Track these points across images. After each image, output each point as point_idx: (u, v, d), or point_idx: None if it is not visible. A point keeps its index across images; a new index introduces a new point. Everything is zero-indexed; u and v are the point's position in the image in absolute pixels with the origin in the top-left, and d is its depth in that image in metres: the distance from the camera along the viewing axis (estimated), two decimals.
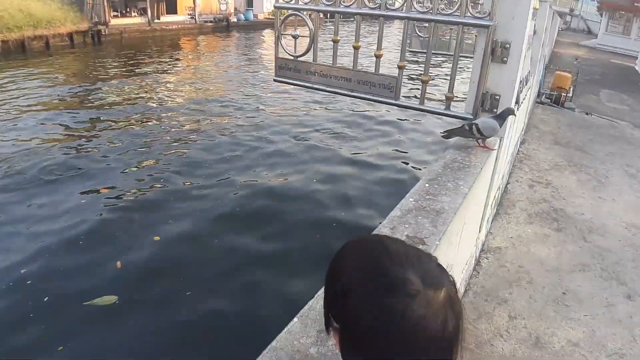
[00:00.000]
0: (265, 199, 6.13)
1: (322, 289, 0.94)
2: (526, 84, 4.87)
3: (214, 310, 3.98)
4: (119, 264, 4.55)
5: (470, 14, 2.74)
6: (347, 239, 0.90)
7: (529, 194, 5.23)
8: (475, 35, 3.04)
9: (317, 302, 1.39)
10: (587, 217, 4.77)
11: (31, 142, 8.10)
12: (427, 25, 3.93)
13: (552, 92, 10.57)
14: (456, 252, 2.47)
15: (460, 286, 3.21)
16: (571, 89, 10.99)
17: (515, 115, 3.31)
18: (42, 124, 9.45)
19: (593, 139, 7.99)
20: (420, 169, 7.25)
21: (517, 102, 4.17)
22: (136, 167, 7.20)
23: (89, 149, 7.91)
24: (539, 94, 10.50)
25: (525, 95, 4.85)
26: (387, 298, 0.77)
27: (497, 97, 3.02)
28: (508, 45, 2.88)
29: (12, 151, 7.59)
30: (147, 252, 4.80)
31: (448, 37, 4.87)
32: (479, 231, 3.64)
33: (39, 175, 6.71)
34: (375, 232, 1.82)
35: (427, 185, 2.25)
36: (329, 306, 0.87)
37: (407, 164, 7.74)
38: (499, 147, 3.21)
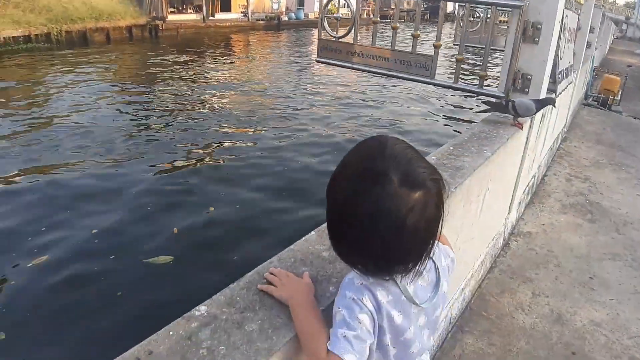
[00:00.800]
0: (310, 175, 6.77)
1: None
2: (566, 77, 4.86)
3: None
4: (175, 229, 5.00)
5: None
6: None
7: (565, 186, 5.21)
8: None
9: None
10: (623, 212, 4.71)
11: (103, 126, 8.88)
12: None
13: (599, 95, 10.32)
14: (477, 217, 2.58)
15: (486, 261, 3.30)
16: (619, 92, 10.68)
17: (554, 106, 3.38)
18: (116, 110, 10.28)
19: (638, 141, 7.79)
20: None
21: (554, 92, 4.22)
22: (195, 146, 7.90)
23: (151, 132, 8.68)
24: (586, 96, 10.28)
25: (566, 88, 4.84)
26: (362, 185, 0.91)
27: (529, 77, 3.09)
28: (540, 26, 2.95)
29: (85, 129, 8.43)
30: (202, 221, 5.28)
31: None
32: (508, 212, 3.71)
33: (108, 150, 7.50)
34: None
35: (451, 147, 2.39)
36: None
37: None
38: (530, 127, 3.29)
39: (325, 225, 1.57)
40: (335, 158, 7.53)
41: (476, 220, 2.56)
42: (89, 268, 4.34)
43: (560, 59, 4.33)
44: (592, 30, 7.48)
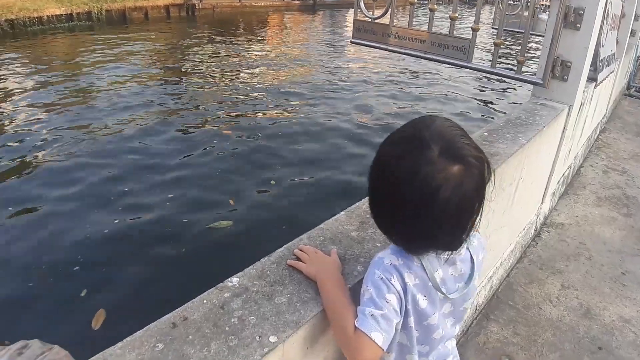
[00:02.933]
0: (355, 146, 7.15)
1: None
2: (608, 65, 4.68)
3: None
4: (231, 201, 5.33)
5: None
6: None
7: (601, 178, 5.06)
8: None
9: (362, 203, 1.59)
10: None
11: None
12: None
13: None
14: (510, 205, 2.54)
15: (516, 250, 3.26)
16: None
17: None
18: (160, 85, 10.64)
19: None
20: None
21: (595, 80, 4.08)
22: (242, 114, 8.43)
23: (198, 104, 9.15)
24: (628, 86, 9.88)
25: (607, 77, 4.67)
26: (404, 148, 0.94)
27: (569, 63, 3.01)
28: (582, 12, 2.85)
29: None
30: (258, 193, 5.63)
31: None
32: (542, 202, 3.63)
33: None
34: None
35: (485, 133, 2.35)
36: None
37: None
38: (568, 115, 3.20)
39: (354, 206, 1.60)
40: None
41: (508, 209, 2.53)
42: (160, 230, 4.76)
43: (602, 46, 4.16)
44: (637, 18, 7.16)
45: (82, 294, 3.79)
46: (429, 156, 0.91)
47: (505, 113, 4.42)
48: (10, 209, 5.01)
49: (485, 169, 0.98)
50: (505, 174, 2.17)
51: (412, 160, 0.92)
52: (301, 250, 1.27)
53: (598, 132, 6.40)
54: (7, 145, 6.78)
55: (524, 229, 3.26)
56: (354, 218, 1.49)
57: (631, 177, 5.17)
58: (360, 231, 1.42)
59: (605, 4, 3.31)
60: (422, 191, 0.91)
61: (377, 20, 3.49)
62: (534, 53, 10.00)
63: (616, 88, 7.34)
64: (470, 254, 1.15)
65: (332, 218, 1.50)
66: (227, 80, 11.32)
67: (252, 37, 18.90)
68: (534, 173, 2.93)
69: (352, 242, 1.37)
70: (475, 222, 1.03)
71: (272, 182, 5.82)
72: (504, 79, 3.40)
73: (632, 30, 6.81)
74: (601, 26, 3.49)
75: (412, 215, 0.95)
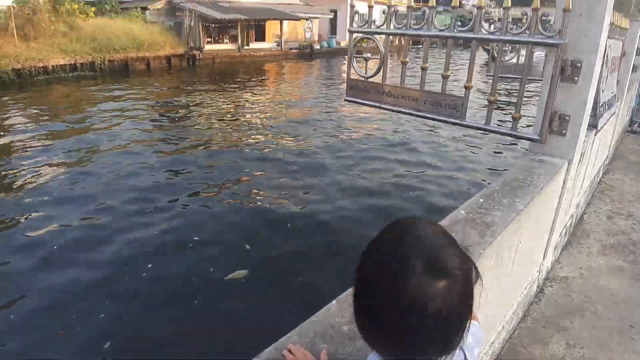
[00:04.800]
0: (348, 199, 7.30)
1: None
2: (609, 109, 4.67)
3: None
4: (247, 245, 5.65)
5: (540, 32, 2.73)
6: None
7: (606, 225, 4.98)
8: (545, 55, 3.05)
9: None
10: None
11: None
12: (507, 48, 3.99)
13: None
14: (509, 269, 2.49)
15: (518, 310, 3.17)
16: None
17: None
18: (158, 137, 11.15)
19: None
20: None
21: (595, 127, 4.07)
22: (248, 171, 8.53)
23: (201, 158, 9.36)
24: (631, 122, 9.90)
25: (608, 120, 4.67)
26: (384, 267, 0.90)
27: (567, 117, 2.99)
28: (579, 64, 2.84)
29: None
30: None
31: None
32: (543, 257, 3.56)
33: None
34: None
35: (481, 200, 2.32)
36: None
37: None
38: (568, 171, 3.17)
39: (346, 293, 1.56)
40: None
41: (508, 273, 2.47)
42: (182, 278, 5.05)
43: (602, 91, 4.15)
44: (638, 53, 7.16)
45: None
46: (411, 276, 0.86)
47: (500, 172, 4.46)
48: None
49: (473, 275, 0.95)
50: (503, 242, 2.13)
51: (393, 276, 0.88)
52: (290, 351, 1.23)
53: (601, 174, 6.36)
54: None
55: (525, 288, 3.19)
56: (346, 308, 1.46)
57: (637, 222, 5.09)
58: (351, 324, 1.38)
59: (605, 51, 3.31)
60: (407, 309, 0.87)
61: (370, 79, 3.54)
62: (529, 100, 10.06)
63: (618, 126, 7.32)
64: (464, 354, 1.10)
65: (324, 308, 1.47)
66: (228, 126, 11.73)
67: (250, 85, 19.49)
68: (534, 233, 2.89)
69: (343, 338, 1.33)
70: (465, 330, 0.99)
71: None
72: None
73: (633, 65, 6.80)
74: (600, 73, 3.48)
75: (399, 332, 0.91)
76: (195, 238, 5.81)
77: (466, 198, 2.46)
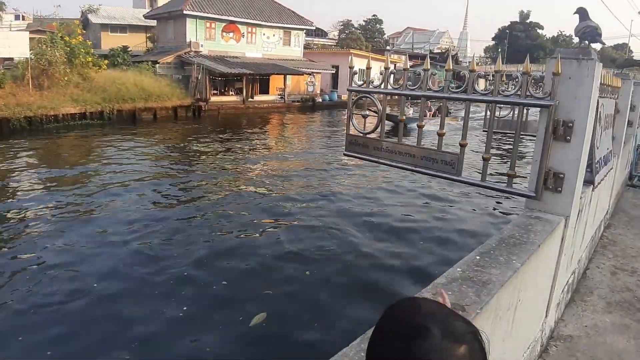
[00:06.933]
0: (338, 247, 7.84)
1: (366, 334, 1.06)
2: (605, 164, 4.70)
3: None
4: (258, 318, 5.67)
5: (531, 94, 2.80)
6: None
7: (610, 281, 4.90)
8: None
9: (350, 349, 1.51)
10: None
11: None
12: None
13: None
14: (509, 329, 2.43)
15: None
16: None
17: None
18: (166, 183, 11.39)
19: None
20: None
21: (592, 183, 4.08)
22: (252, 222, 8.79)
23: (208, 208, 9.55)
24: (630, 176, 9.92)
25: (605, 176, 4.68)
26: (407, 341, 0.89)
27: (561, 175, 3.01)
28: (571, 124, 2.89)
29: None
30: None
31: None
32: (546, 315, 3.48)
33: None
34: (417, 295, 1.91)
35: (477, 257, 2.30)
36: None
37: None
38: (566, 227, 3.16)
39: (342, 353, 1.52)
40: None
41: (508, 335, 2.41)
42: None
43: (597, 148, 4.20)
44: (633, 109, 7.27)
45: None
46: (433, 342, 0.86)
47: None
48: None
49: (481, 339, 0.95)
50: (501, 302, 2.10)
51: (415, 351, 0.87)
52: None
53: (602, 229, 6.31)
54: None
55: (528, 348, 3.10)
56: None
57: None
58: None
59: (597, 108, 3.37)
60: None
61: (368, 135, 3.61)
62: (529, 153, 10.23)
63: (617, 181, 7.34)
64: None
65: None
66: (231, 175, 12.01)
67: (254, 135, 20.10)
68: (534, 291, 2.84)
69: None
70: None
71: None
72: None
73: (629, 120, 6.89)
74: (594, 131, 3.52)
75: None
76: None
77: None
